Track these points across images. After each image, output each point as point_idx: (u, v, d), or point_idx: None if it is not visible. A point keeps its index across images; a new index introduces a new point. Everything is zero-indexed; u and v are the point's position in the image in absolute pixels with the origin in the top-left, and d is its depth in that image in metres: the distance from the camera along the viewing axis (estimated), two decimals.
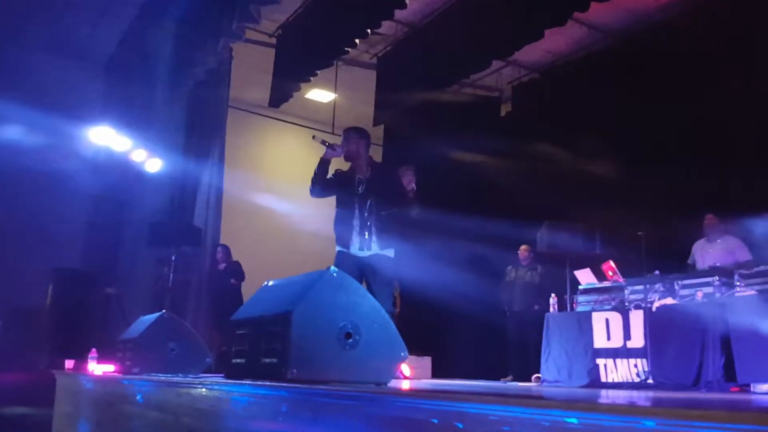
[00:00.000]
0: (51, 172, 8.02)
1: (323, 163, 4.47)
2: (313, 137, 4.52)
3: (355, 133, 4.61)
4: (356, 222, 4.42)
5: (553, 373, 5.98)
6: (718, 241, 6.21)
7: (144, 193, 8.56)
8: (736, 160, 6.45)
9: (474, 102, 10.04)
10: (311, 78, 8.45)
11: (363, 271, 4.38)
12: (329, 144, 4.43)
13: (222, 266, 8.40)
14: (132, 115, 8.53)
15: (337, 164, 4.61)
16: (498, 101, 10.22)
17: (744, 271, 4.97)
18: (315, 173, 4.47)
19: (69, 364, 5.97)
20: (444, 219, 7.70)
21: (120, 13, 8.48)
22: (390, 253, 4.44)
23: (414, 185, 4.54)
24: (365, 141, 4.59)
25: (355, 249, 4.41)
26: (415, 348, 7.02)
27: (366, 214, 4.40)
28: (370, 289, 4.26)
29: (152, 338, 4.72)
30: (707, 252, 6.25)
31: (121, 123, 8.41)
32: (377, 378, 2.83)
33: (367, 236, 4.39)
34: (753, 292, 4.78)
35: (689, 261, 6.38)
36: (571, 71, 8.87)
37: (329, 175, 4.54)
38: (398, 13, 7.51)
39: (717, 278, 5.09)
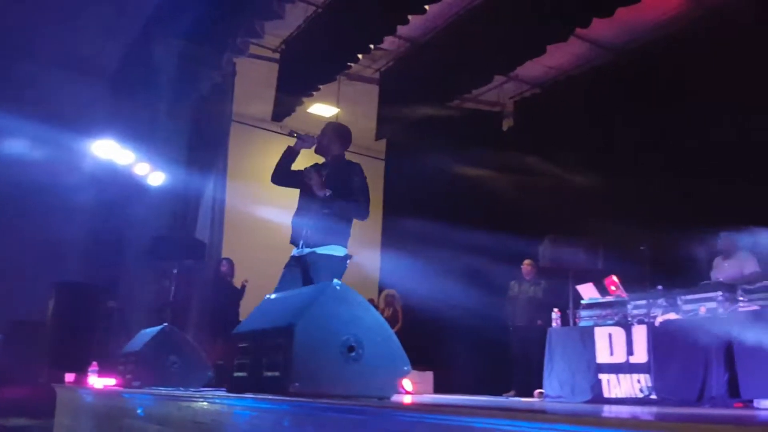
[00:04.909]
0: (54, 185, 8.05)
1: (288, 152, 4.28)
2: (289, 132, 4.28)
3: (331, 128, 4.43)
4: (307, 219, 4.16)
5: (555, 389, 5.94)
6: (732, 257, 6.21)
7: (146, 206, 8.56)
8: (740, 174, 6.44)
9: (476, 117, 10.06)
10: (314, 92, 8.49)
11: (304, 270, 4.09)
12: (298, 134, 4.23)
13: (232, 279, 8.43)
14: (135, 129, 8.56)
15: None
16: (500, 116, 10.23)
17: (747, 286, 4.95)
18: (279, 160, 4.29)
19: (69, 377, 5.95)
20: (446, 233, 7.70)
21: (126, 29, 8.56)
22: (331, 251, 4.08)
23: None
24: (339, 138, 4.35)
25: (300, 248, 4.17)
26: (417, 362, 7.01)
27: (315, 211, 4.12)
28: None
29: (153, 352, 4.70)
30: (721, 268, 6.22)
31: (125, 137, 8.43)
32: (380, 392, 2.81)
33: (306, 233, 4.13)
34: (756, 307, 4.77)
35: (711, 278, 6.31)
36: (572, 86, 8.89)
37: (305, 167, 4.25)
38: (401, 29, 7.56)
39: (720, 293, 5.07)
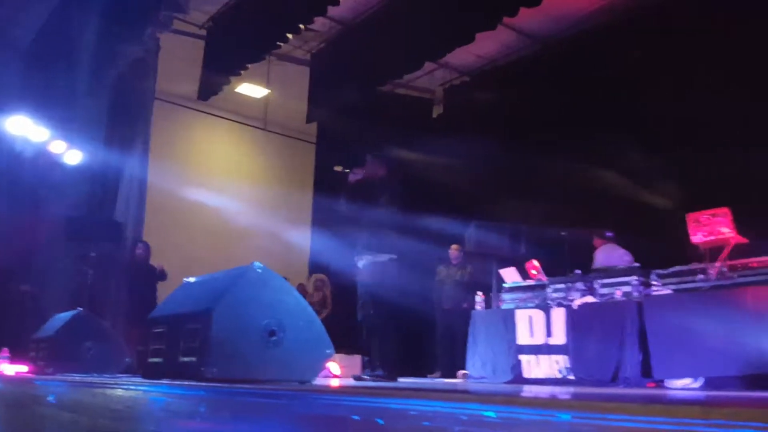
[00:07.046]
0: None
1: (347, 185, 5.07)
2: (342, 169, 5.16)
3: (374, 158, 5.20)
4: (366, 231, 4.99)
5: (478, 369, 6.07)
6: (600, 251, 6.53)
7: (62, 186, 8.18)
8: (658, 162, 6.69)
9: (407, 102, 10.12)
10: (242, 72, 8.31)
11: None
12: (352, 170, 5.01)
13: (156, 264, 8.09)
14: (51, 105, 8.13)
15: None
16: (430, 102, 10.31)
17: (660, 271, 5.17)
18: (342, 193, 5.10)
19: None
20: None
21: None
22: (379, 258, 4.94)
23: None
24: (381, 163, 5.12)
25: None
26: (345, 346, 7.01)
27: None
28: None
29: (67, 337, 4.54)
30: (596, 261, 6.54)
31: (40, 112, 8.00)
32: (302, 376, 2.79)
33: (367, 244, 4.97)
34: (669, 291, 4.98)
35: None
36: (500, 75, 9.05)
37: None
38: (332, 10, 7.47)
39: (635, 278, 5.28)
